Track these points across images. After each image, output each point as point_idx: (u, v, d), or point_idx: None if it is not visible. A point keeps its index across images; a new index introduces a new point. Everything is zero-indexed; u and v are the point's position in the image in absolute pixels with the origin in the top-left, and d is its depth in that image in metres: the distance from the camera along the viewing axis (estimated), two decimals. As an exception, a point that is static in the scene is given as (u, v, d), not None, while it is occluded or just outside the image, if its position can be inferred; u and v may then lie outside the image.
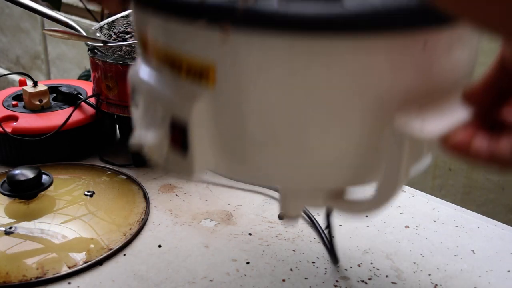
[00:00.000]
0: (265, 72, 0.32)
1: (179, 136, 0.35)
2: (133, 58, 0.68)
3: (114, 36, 0.73)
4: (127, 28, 0.74)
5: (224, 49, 0.32)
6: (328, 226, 0.55)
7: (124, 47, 0.68)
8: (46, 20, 1.81)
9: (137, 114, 0.39)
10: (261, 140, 0.35)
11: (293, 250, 0.57)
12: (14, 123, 0.72)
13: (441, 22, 0.31)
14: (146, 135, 0.37)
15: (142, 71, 0.38)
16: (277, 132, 0.34)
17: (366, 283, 0.52)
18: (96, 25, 0.76)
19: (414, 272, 0.54)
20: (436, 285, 0.52)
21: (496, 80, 0.31)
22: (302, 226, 0.60)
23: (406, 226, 0.61)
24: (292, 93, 0.33)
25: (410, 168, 0.34)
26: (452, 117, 0.32)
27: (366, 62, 0.32)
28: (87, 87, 0.80)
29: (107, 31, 0.76)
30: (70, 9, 1.73)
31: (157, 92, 0.36)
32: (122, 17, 0.77)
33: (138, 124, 0.39)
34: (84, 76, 1.33)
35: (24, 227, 0.58)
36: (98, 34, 0.75)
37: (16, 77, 1.95)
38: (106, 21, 0.77)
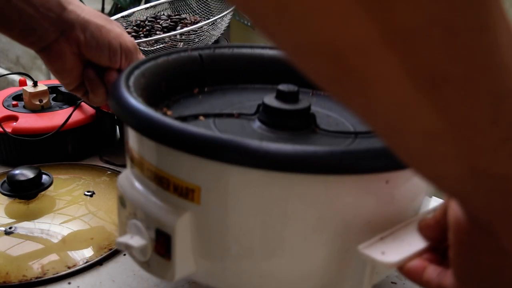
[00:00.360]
0: (245, 198, 0.36)
1: (163, 244, 0.39)
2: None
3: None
4: (126, 29, 0.74)
5: (208, 176, 0.36)
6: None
7: None
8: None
9: (124, 215, 0.43)
10: (238, 253, 0.39)
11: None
12: (14, 123, 0.72)
13: (402, 166, 0.35)
14: (132, 239, 0.40)
15: (132, 181, 0.42)
16: (253, 247, 0.38)
17: (366, 283, 0.52)
18: None
19: (414, 272, 0.54)
20: (436, 285, 0.52)
21: (443, 219, 0.34)
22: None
23: (406, 226, 0.61)
24: (268, 217, 0.37)
25: (373, 282, 0.38)
26: (409, 247, 0.36)
27: (334, 194, 0.36)
28: (87, 87, 0.81)
29: None
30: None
31: (144, 204, 0.40)
32: (122, 17, 0.77)
33: (124, 226, 0.43)
34: (84, 76, 1.33)
35: (24, 227, 0.58)
36: None
37: (16, 77, 1.95)
38: None
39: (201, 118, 0.46)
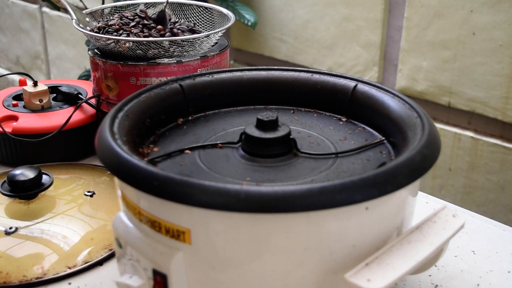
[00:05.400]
0: (231, 238, 0.38)
1: (160, 283, 0.41)
2: (119, 54, 0.67)
3: (102, 24, 0.72)
4: (112, 20, 0.72)
5: (195, 220, 0.38)
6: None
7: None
8: (46, 20, 1.81)
9: (121, 255, 0.44)
10: None
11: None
12: (14, 123, 0.72)
13: (379, 194, 0.37)
14: (131, 279, 0.42)
15: (126, 223, 0.44)
16: (245, 281, 0.40)
17: (366, 283, 0.52)
18: (88, 10, 0.75)
19: (414, 272, 0.54)
20: (437, 285, 0.52)
21: None
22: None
23: (407, 227, 0.61)
24: (255, 252, 0.38)
25: None
26: (394, 272, 0.37)
27: (317, 226, 0.38)
28: (87, 87, 0.80)
29: (95, 18, 0.75)
30: (70, 9, 1.73)
31: (140, 245, 0.42)
32: (115, 8, 0.76)
33: (122, 266, 0.45)
34: (84, 76, 1.33)
35: (24, 227, 0.58)
36: (87, 19, 0.74)
37: (16, 77, 1.94)
38: (98, 7, 0.76)
39: (187, 151, 0.48)
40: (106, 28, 0.70)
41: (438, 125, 1.03)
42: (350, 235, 0.39)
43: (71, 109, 0.75)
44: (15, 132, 0.71)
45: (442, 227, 0.42)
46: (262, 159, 0.46)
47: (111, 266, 0.54)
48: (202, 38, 0.67)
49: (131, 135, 0.47)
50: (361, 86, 0.53)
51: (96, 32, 0.70)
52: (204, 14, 0.77)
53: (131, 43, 0.65)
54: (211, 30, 0.74)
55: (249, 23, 1.17)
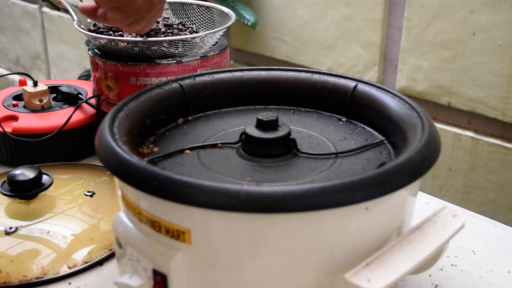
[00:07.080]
0: (232, 238, 0.38)
1: (160, 283, 0.41)
2: (119, 53, 0.67)
3: (98, 24, 0.72)
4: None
5: (195, 220, 0.38)
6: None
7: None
8: (46, 20, 1.81)
9: (121, 255, 0.45)
10: None
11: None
12: (14, 123, 0.72)
13: (379, 195, 0.38)
14: (131, 279, 0.42)
15: (126, 223, 0.44)
16: (244, 281, 0.40)
17: (366, 283, 0.52)
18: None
19: (414, 272, 0.54)
20: (437, 285, 0.52)
21: None
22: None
23: (407, 227, 0.61)
24: (255, 252, 0.38)
25: None
26: (394, 272, 0.37)
27: (317, 226, 0.38)
28: (87, 87, 0.80)
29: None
30: (70, 9, 1.72)
31: (140, 246, 0.42)
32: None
33: (122, 266, 0.45)
34: (84, 76, 1.33)
35: (24, 227, 0.58)
36: (88, 20, 0.74)
37: (16, 77, 1.94)
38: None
39: (187, 151, 0.48)
40: (101, 28, 0.70)
41: (438, 125, 1.03)
42: (350, 235, 0.39)
43: (71, 109, 0.75)
44: (15, 132, 0.71)
45: (442, 227, 0.42)
46: (262, 159, 0.46)
47: (111, 266, 0.54)
48: (203, 37, 0.67)
49: (131, 135, 0.47)
50: (361, 86, 0.53)
51: (93, 32, 0.70)
52: (205, 13, 0.77)
53: (127, 42, 0.65)
54: (211, 29, 0.74)
55: (249, 23, 1.17)
